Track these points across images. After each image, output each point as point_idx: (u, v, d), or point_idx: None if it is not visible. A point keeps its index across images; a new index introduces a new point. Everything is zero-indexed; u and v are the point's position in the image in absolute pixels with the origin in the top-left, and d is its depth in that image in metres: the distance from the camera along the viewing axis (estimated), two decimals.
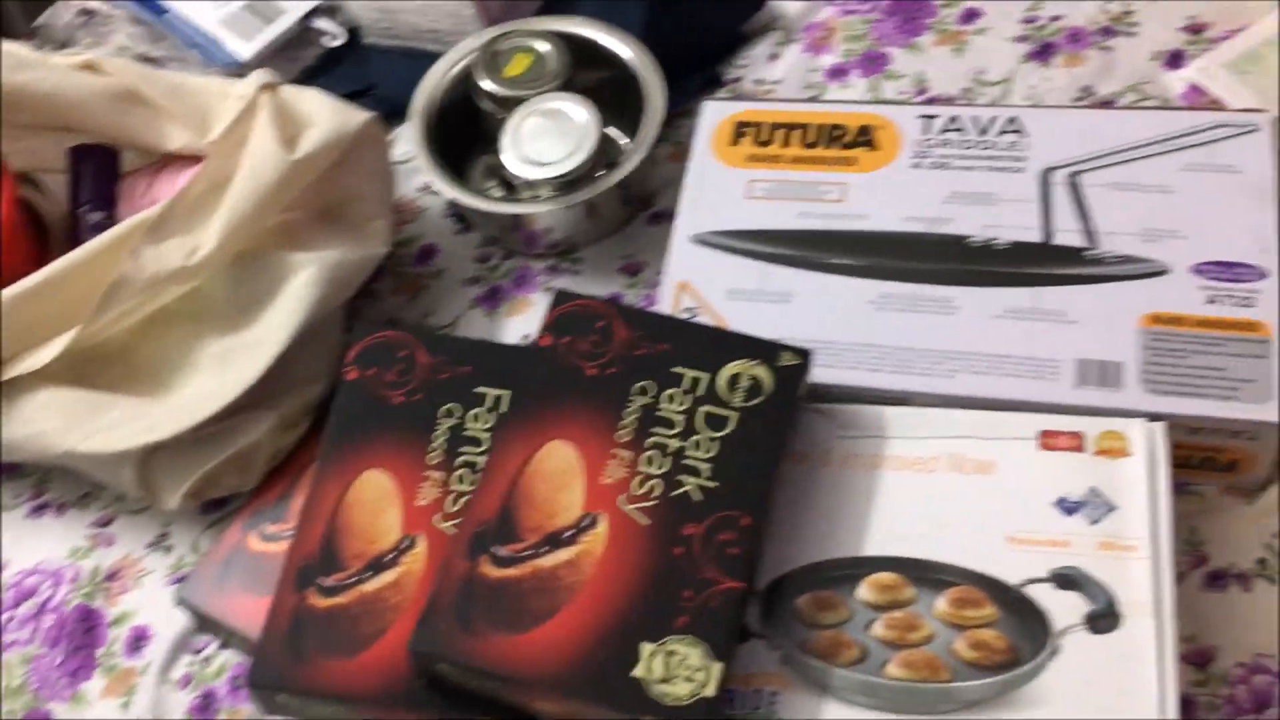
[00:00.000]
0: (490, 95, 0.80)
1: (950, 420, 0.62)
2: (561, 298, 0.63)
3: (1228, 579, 0.62)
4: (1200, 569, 0.63)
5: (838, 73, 0.86)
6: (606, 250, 0.81)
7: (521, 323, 0.79)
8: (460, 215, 0.85)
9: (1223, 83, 0.78)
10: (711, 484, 0.57)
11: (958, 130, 0.72)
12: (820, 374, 0.64)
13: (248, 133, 0.71)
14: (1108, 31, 0.83)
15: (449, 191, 0.78)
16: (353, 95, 0.90)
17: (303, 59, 0.93)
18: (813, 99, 0.85)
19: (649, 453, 0.58)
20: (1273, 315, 0.62)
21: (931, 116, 0.73)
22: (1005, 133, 0.71)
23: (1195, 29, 0.82)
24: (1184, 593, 0.61)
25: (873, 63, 0.86)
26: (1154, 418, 0.59)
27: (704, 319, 0.68)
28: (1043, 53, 0.83)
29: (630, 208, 0.81)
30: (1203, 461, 0.63)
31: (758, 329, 0.64)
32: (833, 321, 0.66)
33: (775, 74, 0.87)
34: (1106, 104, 0.80)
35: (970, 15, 0.87)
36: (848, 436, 0.62)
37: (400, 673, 0.59)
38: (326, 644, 0.60)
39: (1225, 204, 0.66)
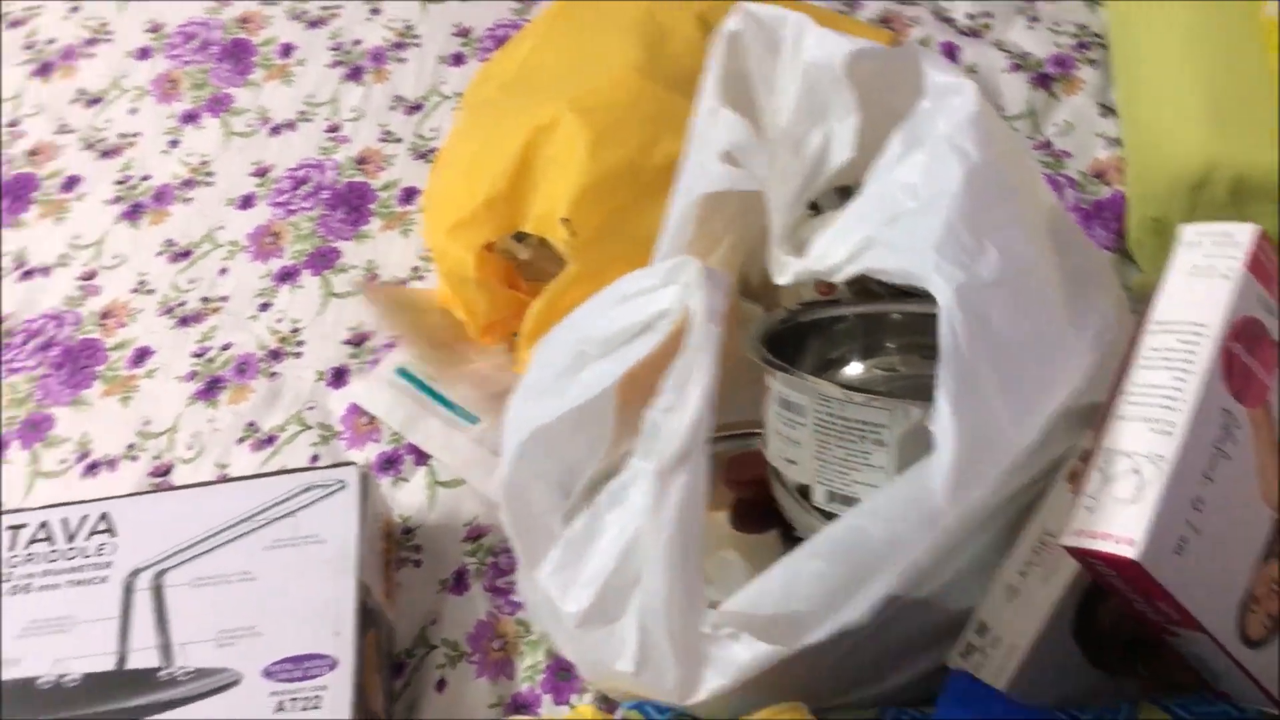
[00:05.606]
0: None
1: None
2: None
3: None
4: None
5: None
6: None
7: None
8: None
9: (380, 396, 0.77)
10: None
11: (45, 540, 0.65)
12: None
13: None
14: (276, 355, 0.80)
15: None
16: None
17: None
18: None
19: None
20: (344, 710, 0.59)
21: (18, 527, 0.66)
22: (96, 533, 0.65)
23: (358, 341, 0.80)
24: None
25: (35, 428, 0.79)
26: None
27: None
28: (209, 390, 0.79)
29: None
30: None
31: None
32: None
33: None
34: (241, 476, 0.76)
35: (141, 356, 0.82)
36: None
37: None
38: None
39: (304, 584, 0.62)
